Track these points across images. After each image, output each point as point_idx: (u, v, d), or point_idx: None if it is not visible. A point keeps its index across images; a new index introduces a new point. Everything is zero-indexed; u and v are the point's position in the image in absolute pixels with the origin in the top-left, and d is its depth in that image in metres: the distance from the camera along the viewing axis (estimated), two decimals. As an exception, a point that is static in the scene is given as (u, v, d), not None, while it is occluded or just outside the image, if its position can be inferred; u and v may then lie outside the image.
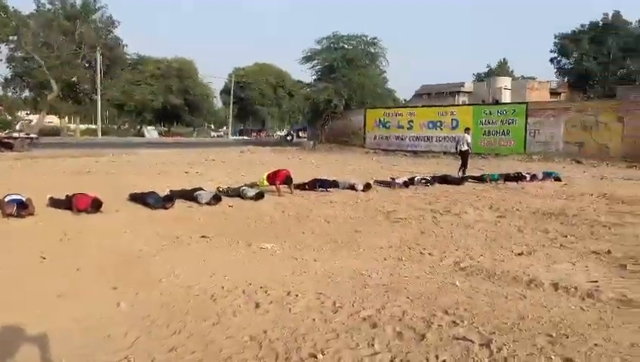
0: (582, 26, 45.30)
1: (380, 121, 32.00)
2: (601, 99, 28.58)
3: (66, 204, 8.13)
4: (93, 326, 3.63)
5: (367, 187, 11.75)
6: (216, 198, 9.33)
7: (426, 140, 29.46)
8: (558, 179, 14.99)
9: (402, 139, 30.57)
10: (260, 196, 9.93)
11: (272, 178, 10.87)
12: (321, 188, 11.42)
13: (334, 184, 11.81)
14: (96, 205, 8.05)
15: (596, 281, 4.81)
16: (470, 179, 14.43)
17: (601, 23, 43.81)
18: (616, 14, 43.23)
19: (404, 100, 56.39)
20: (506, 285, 4.73)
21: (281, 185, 10.73)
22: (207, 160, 21.21)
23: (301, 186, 11.51)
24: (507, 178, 14.52)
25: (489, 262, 5.54)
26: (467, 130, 18.02)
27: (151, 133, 56.33)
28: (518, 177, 14.59)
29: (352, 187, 11.72)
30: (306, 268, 5.20)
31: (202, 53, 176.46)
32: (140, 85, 56.08)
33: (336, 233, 7.02)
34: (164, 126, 64.85)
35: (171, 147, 31.32)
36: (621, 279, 4.94)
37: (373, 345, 3.33)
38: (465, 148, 16.80)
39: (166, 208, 8.60)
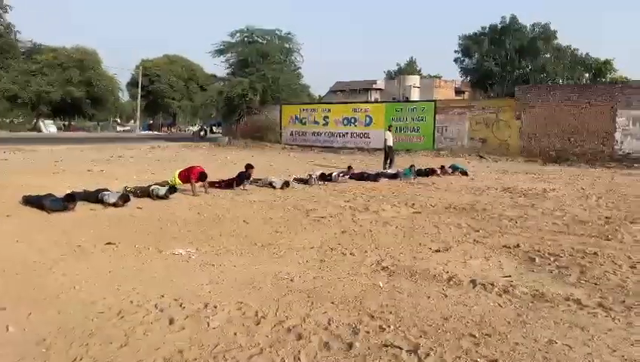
0: (482, 28, 48.23)
1: (295, 117, 31.95)
2: (500, 98, 30.60)
3: (-56, 210, 7.13)
4: (-26, 359, 3.11)
5: (285, 185, 11.56)
6: (123, 199, 8.67)
7: (341, 136, 29.85)
8: (464, 173, 15.82)
9: (318, 135, 30.76)
10: (172, 191, 9.43)
11: (185, 175, 10.33)
12: (239, 188, 11.03)
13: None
14: (-19, 211, 7.13)
15: (510, 276, 5.00)
16: (384, 176, 14.69)
17: (499, 25, 46.87)
18: (513, 18, 46.49)
19: (319, 96, 56.93)
20: (427, 284, 4.76)
21: (195, 183, 10.20)
22: (113, 156, 19.90)
23: (216, 184, 11.08)
24: (419, 173, 15.08)
25: (409, 260, 5.57)
26: (389, 127, 19.55)
27: (49, 127, 51.88)
28: (429, 172, 15.25)
29: (271, 185, 11.49)
30: (224, 275, 4.89)
31: (106, 43, 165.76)
32: (36, 76, 51.30)
33: (256, 235, 6.76)
34: (63, 120, 60.07)
35: (72, 143, 29.02)
36: (531, 273, 5.17)
37: (299, 359, 3.14)
38: (384, 145, 18.04)
39: (67, 209, 7.84)
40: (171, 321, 3.69)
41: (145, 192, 9.54)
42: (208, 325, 3.63)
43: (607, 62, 47.39)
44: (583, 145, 22.47)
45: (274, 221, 7.77)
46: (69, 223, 7.21)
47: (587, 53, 48.35)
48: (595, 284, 4.76)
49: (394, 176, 14.56)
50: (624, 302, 4.28)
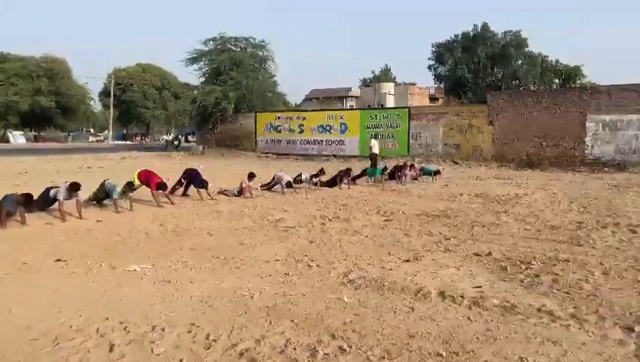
0: (455, 35, 48.83)
1: (271, 124, 31.61)
2: (473, 104, 30.85)
3: None
4: None
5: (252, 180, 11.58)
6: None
7: (316, 144, 29.62)
8: (437, 172, 16.26)
9: (294, 143, 30.45)
10: (130, 185, 9.50)
11: (145, 176, 9.98)
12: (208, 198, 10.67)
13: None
14: None
15: (480, 286, 4.79)
16: (345, 182, 14.36)
17: (471, 33, 47.49)
18: (484, 25, 47.16)
19: (295, 104, 56.72)
20: (394, 297, 4.52)
21: (155, 192, 9.82)
22: (82, 168, 19.24)
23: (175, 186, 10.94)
24: (390, 175, 15.25)
25: (377, 272, 5.33)
26: (374, 135, 19.95)
27: (17, 138, 50.43)
28: (401, 166, 15.58)
29: (240, 193, 11.21)
30: (179, 293, 4.57)
31: (76, 52, 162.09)
32: (3, 85, 49.99)
33: (219, 247, 6.43)
34: (33, 130, 58.48)
35: (41, 153, 28.15)
36: (503, 282, 4.97)
37: (249, 388, 2.86)
38: (370, 152, 17.96)
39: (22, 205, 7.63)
40: (111, 348, 3.35)
41: (102, 191, 9.22)
42: (152, 351, 3.31)
43: (576, 69, 48.39)
44: (554, 149, 22.66)
45: (239, 232, 7.46)
46: (20, 238, 6.81)
47: (557, 60, 49.37)
48: (568, 293, 4.58)
49: (360, 175, 14.80)
50: (597, 311, 4.11)
